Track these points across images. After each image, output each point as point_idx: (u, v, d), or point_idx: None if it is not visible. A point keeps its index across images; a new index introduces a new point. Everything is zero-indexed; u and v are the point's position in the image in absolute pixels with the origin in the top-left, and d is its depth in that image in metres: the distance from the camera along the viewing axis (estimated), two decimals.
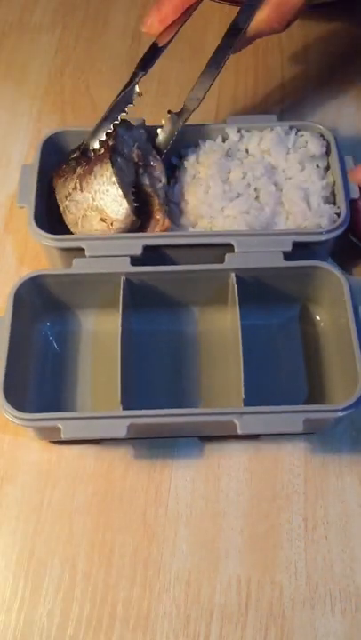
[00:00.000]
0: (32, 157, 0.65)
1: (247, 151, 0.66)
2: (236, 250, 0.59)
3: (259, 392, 0.55)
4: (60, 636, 0.50)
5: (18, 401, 0.53)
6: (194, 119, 0.75)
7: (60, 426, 0.52)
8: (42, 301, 0.60)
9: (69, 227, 0.61)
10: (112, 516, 0.54)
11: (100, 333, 0.61)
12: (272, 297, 0.60)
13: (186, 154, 0.67)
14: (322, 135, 0.65)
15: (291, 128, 0.65)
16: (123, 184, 0.59)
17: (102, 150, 0.60)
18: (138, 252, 0.59)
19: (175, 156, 0.67)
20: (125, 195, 0.58)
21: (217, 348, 0.60)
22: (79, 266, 0.59)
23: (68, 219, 0.61)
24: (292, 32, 0.82)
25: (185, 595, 0.51)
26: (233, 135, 0.66)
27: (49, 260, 0.64)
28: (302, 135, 0.66)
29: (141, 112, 0.76)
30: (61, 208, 0.61)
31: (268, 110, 0.76)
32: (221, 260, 0.59)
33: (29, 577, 0.52)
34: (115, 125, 0.60)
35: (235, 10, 0.62)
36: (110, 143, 0.60)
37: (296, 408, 0.52)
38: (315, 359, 0.60)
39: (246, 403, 0.53)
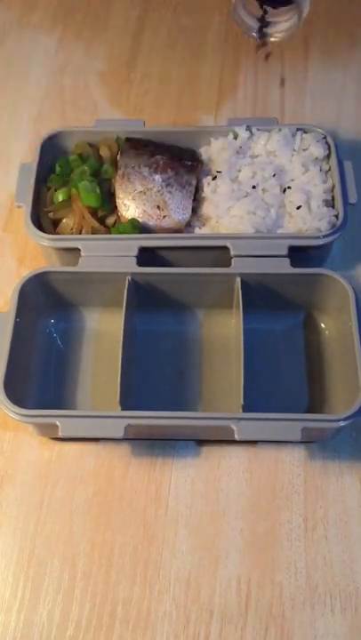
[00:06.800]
0: (32, 157, 0.65)
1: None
2: (231, 253, 0.58)
3: (259, 398, 0.55)
4: (59, 636, 0.50)
5: (18, 396, 0.53)
6: (194, 120, 0.76)
7: (58, 423, 0.52)
8: (46, 298, 0.60)
9: (117, 190, 0.62)
10: (112, 515, 0.54)
11: (104, 332, 0.61)
12: (277, 303, 0.60)
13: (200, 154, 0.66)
14: (324, 137, 0.65)
15: (297, 130, 0.65)
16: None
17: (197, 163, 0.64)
18: (134, 253, 0.59)
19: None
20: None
21: (220, 351, 0.60)
22: (85, 264, 0.59)
23: (124, 185, 0.62)
24: (293, 33, 0.82)
25: (185, 595, 0.51)
26: (243, 133, 0.65)
27: (46, 259, 0.64)
28: (305, 138, 0.65)
29: (142, 112, 0.77)
30: (120, 171, 0.63)
31: (267, 112, 0.76)
32: (220, 262, 0.59)
33: (29, 577, 0.52)
34: None
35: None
36: (201, 159, 0.64)
37: (295, 416, 0.52)
38: (317, 367, 0.59)
39: (246, 408, 0.52)
